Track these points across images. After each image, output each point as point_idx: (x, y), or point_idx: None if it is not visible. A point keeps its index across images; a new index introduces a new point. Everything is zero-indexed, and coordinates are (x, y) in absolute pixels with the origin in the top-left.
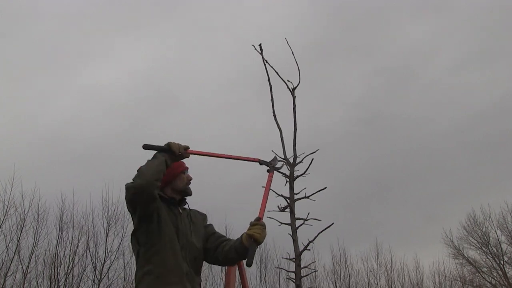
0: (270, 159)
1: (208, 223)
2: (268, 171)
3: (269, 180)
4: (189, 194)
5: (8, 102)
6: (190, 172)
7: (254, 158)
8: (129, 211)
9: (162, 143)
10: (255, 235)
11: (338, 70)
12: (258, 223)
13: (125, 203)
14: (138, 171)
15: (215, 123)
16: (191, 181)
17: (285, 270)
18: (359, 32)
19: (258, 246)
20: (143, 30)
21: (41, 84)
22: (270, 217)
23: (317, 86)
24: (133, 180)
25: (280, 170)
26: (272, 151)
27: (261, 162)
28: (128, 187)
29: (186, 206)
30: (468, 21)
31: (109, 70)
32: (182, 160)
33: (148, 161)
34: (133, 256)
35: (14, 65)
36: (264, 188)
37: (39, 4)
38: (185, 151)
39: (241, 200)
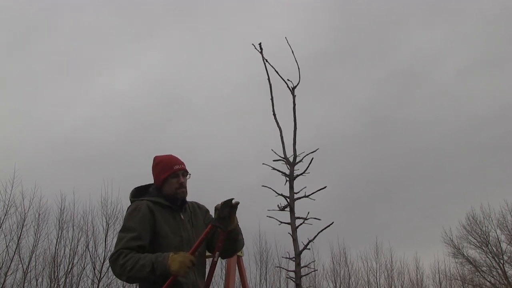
0: (219, 212)
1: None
2: (220, 228)
3: (220, 241)
4: (179, 199)
5: (20, 105)
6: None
7: (208, 227)
8: None
9: (165, 144)
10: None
11: (346, 74)
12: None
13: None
14: (123, 268)
15: (222, 126)
16: (184, 184)
17: (285, 269)
18: (367, 37)
19: (257, 246)
20: (156, 37)
21: (53, 91)
22: (269, 216)
23: (324, 89)
24: (115, 269)
25: (280, 169)
26: (272, 150)
27: (213, 224)
28: (112, 268)
29: (186, 206)
30: (475, 28)
31: (120, 77)
32: (174, 161)
33: (141, 267)
34: None
35: (30, 73)
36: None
37: (57, 15)
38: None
39: (245, 201)
